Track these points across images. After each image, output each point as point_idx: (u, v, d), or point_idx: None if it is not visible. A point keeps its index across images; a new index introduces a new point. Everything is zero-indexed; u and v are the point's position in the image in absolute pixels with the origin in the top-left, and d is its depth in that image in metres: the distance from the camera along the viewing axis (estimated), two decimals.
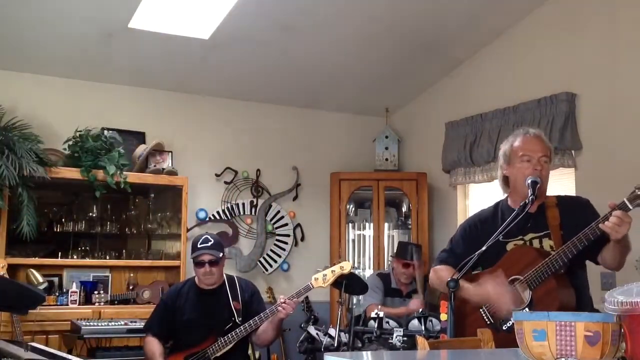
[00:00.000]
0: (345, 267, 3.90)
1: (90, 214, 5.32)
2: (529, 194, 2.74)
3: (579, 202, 2.96)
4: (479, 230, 2.96)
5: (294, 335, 4.95)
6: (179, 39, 4.96)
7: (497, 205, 3.04)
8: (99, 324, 4.50)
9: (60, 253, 5.16)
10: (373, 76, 5.89)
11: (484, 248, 2.67)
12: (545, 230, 2.85)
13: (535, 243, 2.85)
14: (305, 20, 4.93)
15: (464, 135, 5.55)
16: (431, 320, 4.10)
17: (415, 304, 4.93)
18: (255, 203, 6.02)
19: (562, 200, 2.96)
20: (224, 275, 4.04)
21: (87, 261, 5.23)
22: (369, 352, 3.57)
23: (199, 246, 3.91)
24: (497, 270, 2.82)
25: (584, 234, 2.61)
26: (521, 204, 2.76)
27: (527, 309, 2.70)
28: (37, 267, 4.92)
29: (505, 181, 2.99)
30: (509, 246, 2.87)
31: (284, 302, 3.78)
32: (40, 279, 4.86)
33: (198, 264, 3.92)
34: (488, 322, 2.81)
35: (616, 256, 2.70)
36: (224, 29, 4.87)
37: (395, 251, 5.48)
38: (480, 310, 2.85)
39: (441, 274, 2.96)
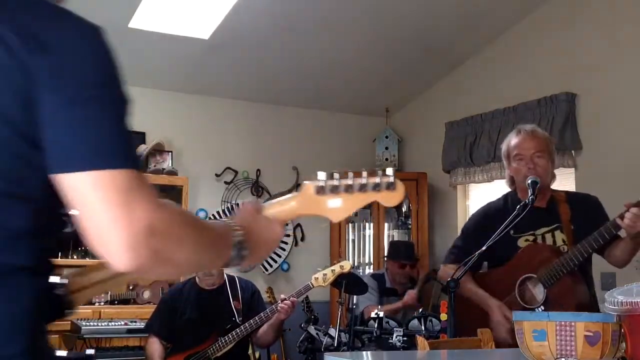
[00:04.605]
0: (345, 266, 3.90)
1: None
2: (529, 194, 2.75)
3: (589, 202, 2.99)
4: (490, 225, 2.93)
5: (294, 335, 4.93)
6: (179, 39, 4.96)
7: (506, 197, 3.06)
8: (99, 324, 4.51)
9: (60, 253, 5.16)
10: (373, 76, 5.88)
11: (483, 248, 2.67)
12: (557, 223, 2.89)
13: (548, 237, 2.88)
14: (305, 20, 4.93)
15: (464, 135, 5.55)
16: (431, 320, 4.09)
17: (411, 297, 4.92)
18: None
19: (571, 197, 3.00)
20: (225, 275, 4.04)
21: (87, 261, 5.21)
22: (369, 352, 3.56)
23: None
24: (507, 270, 2.85)
25: (599, 233, 2.66)
26: (521, 203, 2.78)
27: (542, 307, 2.74)
28: None
29: (512, 179, 3.02)
30: (520, 242, 2.89)
31: (284, 302, 3.78)
32: None
33: None
34: None
35: (626, 252, 2.76)
36: (224, 29, 4.87)
37: (387, 252, 5.45)
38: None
39: (451, 272, 2.97)
